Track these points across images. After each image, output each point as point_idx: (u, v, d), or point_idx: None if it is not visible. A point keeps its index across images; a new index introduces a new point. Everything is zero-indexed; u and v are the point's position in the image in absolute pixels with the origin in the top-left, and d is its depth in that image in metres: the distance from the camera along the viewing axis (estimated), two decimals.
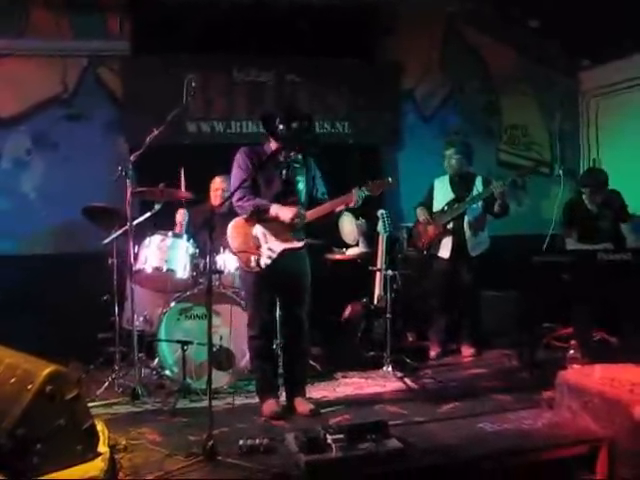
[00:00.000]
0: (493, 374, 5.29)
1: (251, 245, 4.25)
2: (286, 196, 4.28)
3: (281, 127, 4.18)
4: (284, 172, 4.30)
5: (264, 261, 4.21)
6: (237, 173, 4.30)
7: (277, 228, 4.25)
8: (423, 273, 6.02)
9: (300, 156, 4.38)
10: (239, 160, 4.32)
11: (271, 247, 4.23)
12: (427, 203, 5.97)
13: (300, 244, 4.32)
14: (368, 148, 6.89)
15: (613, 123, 7.35)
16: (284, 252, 4.24)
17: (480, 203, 5.77)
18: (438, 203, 5.91)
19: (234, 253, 4.42)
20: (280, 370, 4.67)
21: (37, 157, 6.33)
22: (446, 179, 5.92)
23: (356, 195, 4.23)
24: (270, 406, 4.26)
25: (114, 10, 6.38)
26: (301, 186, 4.36)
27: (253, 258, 4.21)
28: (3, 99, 6.23)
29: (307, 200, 4.39)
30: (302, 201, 4.35)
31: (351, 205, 4.28)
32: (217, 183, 5.57)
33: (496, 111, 7.50)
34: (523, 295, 5.80)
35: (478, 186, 5.80)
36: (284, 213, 4.20)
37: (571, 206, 5.80)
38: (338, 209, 4.34)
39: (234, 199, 4.25)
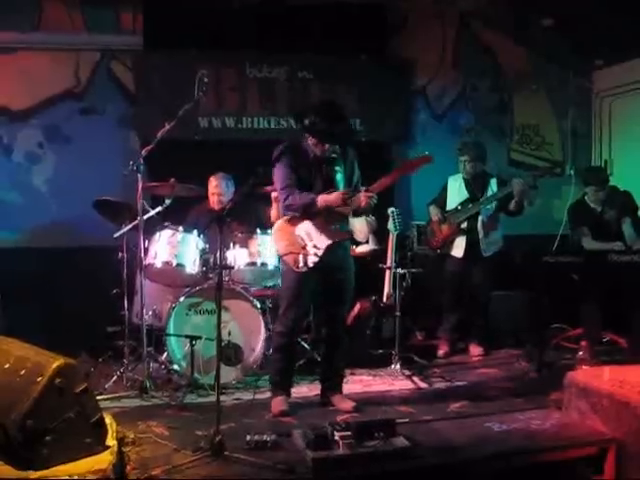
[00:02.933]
0: (501, 374, 5.28)
1: (296, 245, 4.22)
2: (324, 190, 4.24)
3: (313, 121, 4.15)
4: (323, 166, 4.29)
5: (312, 259, 4.18)
6: (281, 171, 4.24)
7: (320, 224, 4.22)
8: (433, 271, 6.01)
9: (338, 146, 4.33)
10: (282, 158, 4.25)
11: (316, 244, 4.19)
12: (440, 201, 5.95)
13: (346, 235, 4.32)
14: (379, 145, 6.87)
15: (626, 124, 7.29)
16: (330, 247, 4.22)
17: (494, 203, 5.75)
18: (452, 202, 5.88)
19: (281, 257, 4.37)
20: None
21: (49, 151, 6.35)
22: (460, 178, 5.89)
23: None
24: (279, 403, 4.26)
25: (127, 4, 6.40)
26: (339, 177, 4.32)
27: (301, 258, 4.19)
28: (16, 93, 6.25)
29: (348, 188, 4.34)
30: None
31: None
32: (213, 187, 5.47)
33: (508, 110, 7.47)
34: (533, 295, 5.78)
35: (493, 187, 5.79)
36: (332, 199, 4.16)
37: (575, 207, 5.78)
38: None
39: (281, 201, 4.26)
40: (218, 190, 5.44)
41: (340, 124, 4.17)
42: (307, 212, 4.22)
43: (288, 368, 4.43)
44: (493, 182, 5.81)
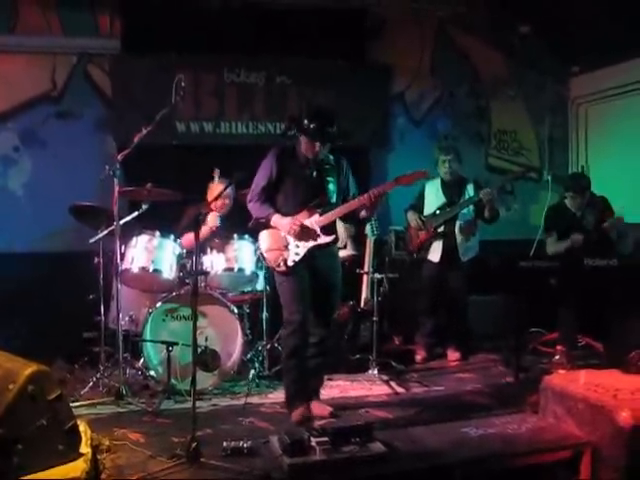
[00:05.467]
0: (478, 378, 5.29)
1: (279, 244, 4.24)
2: (314, 197, 4.27)
3: (305, 122, 4.19)
4: (314, 173, 4.30)
5: (291, 258, 4.20)
6: (260, 173, 4.31)
7: (307, 227, 4.23)
8: (410, 276, 6.02)
9: (331, 156, 4.38)
10: (267, 161, 4.31)
11: (298, 245, 4.22)
12: (417, 206, 5.96)
13: (329, 239, 4.29)
14: (357, 150, 6.86)
15: (602, 130, 7.38)
16: (313, 250, 4.23)
17: (471, 208, 5.77)
18: (429, 207, 5.89)
19: (261, 253, 4.40)
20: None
21: (25, 155, 6.28)
22: (437, 183, 5.91)
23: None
24: (302, 412, 4.17)
25: (104, 8, 6.36)
26: (332, 187, 4.36)
27: (281, 257, 4.21)
28: None
29: (339, 201, 4.37)
30: (333, 201, 4.34)
31: (366, 204, 4.23)
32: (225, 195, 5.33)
33: (485, 116, 7.52)
34: (510, 300, 5.81)
35: (469, 191, 5.81)
36: (282, 225, 4.22)
37: (554, 211, 5.80)
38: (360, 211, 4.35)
39: (248, 198, 4.34)
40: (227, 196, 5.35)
41: (330, 125, 4.20)
42: (258, 223, 4.34)
43: (304, 372, 4.29)
44: (470, 186, 5.84)
